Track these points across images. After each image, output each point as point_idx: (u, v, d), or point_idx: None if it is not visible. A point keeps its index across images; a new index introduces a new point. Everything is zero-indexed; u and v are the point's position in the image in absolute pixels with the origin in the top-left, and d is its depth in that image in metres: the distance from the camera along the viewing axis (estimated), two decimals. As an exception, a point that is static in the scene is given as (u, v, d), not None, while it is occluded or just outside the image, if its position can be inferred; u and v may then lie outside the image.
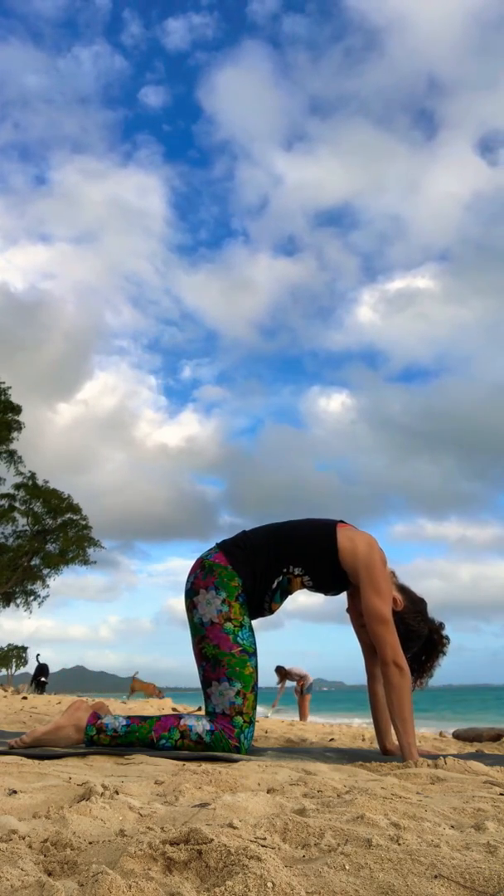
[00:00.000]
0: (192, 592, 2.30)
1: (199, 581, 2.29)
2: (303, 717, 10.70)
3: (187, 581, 2.35)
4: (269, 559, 2.29)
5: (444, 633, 2.45)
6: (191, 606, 2.29)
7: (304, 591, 2.40)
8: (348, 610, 2.53)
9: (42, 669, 18.98)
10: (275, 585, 2.31)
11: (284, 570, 2.30)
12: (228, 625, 2.21)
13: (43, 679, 18.43)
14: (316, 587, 2.35)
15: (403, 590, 2.42)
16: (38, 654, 18.91)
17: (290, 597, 2.40)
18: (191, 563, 2.41)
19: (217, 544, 2.37)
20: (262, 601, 2.33)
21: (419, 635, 2.39)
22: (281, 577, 2.31)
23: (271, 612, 2.38)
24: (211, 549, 2.36)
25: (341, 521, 2.38)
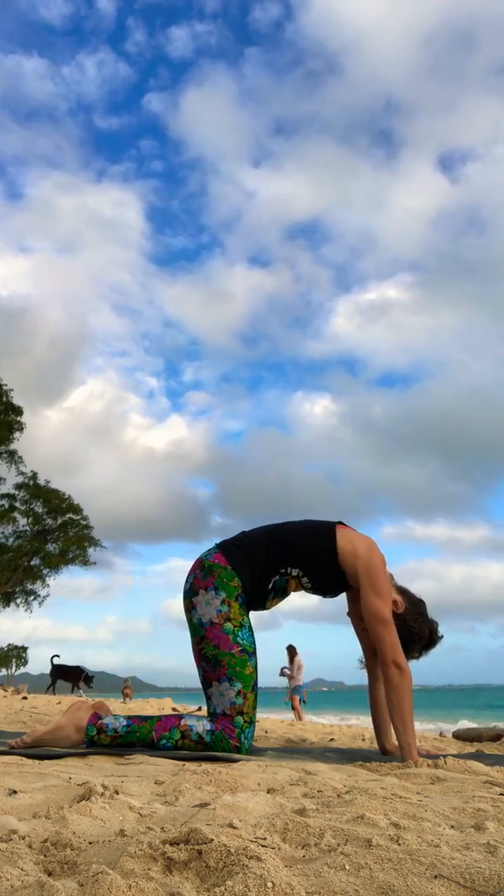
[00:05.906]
0: (191, 593, 2.29)
1: (199, 581, 2.28)
2: (298, 717, 10.75)
3: (186, 581, 2.34)
4: (268, 560, 2.29)
5: (440, 633, 2.47)
6: (189, 607, 2.29)
7: (301, 591, 2.40)
8: (349, 613, 2.53)
9: (77, 671, 17.47)
10: (271, 585, 2.31)
11: (282, 571, 2.30)
12: (228, 625, 2.20)
13: (82, 682, 17.19)
14: (314, 588, 2.34)
15: (403, 591, 2.42)
16: (56, 656, 17.87)
17: (287, 596, 2.40)
18: (186, 563, 2.41)
19: (216, 544, 2.37)
20: (261, 601, 2.33)
21: (420, 636, 2.39)
22: (277, 577, 2.31)
23: (265, 608, 2.39)
24: (210, 550, 2.35)
25: (340, 522, 2.38)
